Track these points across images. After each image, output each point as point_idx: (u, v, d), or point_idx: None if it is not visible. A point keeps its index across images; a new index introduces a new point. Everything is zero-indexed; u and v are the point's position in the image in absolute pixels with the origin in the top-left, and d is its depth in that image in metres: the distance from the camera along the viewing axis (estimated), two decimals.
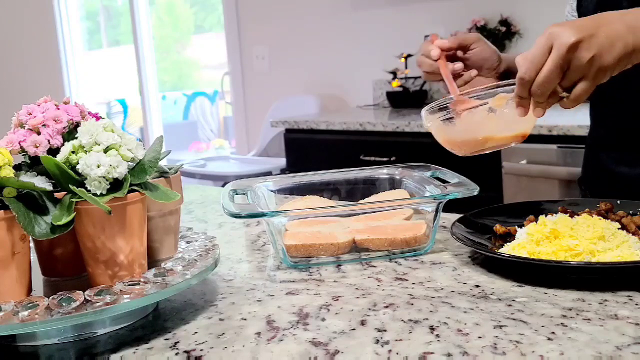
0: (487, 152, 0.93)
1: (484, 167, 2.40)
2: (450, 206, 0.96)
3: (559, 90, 0.83)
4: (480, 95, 0.89)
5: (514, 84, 0.85)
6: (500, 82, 0.88)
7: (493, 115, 0.88)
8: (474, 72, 1.10)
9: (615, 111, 1.17)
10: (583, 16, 1.17)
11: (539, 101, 0.84)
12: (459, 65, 1.08)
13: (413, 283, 0.80)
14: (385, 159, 2.66)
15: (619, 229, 0.85)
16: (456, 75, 1.08)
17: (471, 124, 0.89)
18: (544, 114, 0.85)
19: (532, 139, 2.28)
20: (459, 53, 1.10)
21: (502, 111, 0.87)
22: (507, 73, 1.14)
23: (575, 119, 2.23)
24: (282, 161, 3.28)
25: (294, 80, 3.75)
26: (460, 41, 1.08)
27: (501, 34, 2.90)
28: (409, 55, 3.15)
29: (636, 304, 0.69)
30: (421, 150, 2.57)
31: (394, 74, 3.16)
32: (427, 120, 0.93)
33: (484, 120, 0.88)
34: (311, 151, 2.95)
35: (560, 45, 0.80)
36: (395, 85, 3.15)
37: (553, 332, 0.64)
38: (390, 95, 3.17)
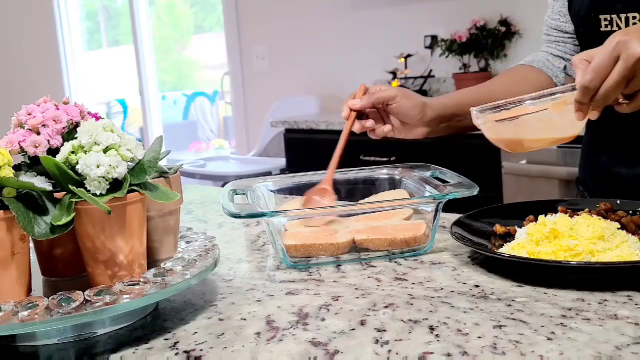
0: (535, 150, 0.94)
1: (483, 167, 2.40)
2: (450, 206, 0.96)
3: (620, 97, 0.84)
4: (534, 98, 0.88)
5: (569, 90, 0.85)
6: (555, 89, 0.88)
7: (549, 118, 0.88)
8: (387, 127, 1.10)
9: (614, 111, 1.17)
10: (575, 17, 1.17)
11: (599, 107, 0.85)
12: (369, 123, 1.09)
13: (413, 283, 0.80)
14: (385, 159, 2.66)
15: (618, 228, 0.85)
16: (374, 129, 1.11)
17: (526, 126, 0.89)
18: (599, 115, 0.86)
19: None
20: (380, 106, 1.11)
21: (558, 114, 0.87)
22: (437, 121, 1.13)
23: None
24: (282, 161, 3.28)
25: (294, 80, 3.75)
26: (374, 100, 1.08)
27: (501, 34, 2.90)
28: (409, 56, 3.15)
29: (636, 304, 0.69)
30: (421, 150, 2.57)
31: (394, 74, 3.16)
32: (477, 118, 0.93)
33: (539, 122, 0.88)
34: (311, 151, 2.95)
35: (629, 56, 0.80)
36: (395, 85, 3.15)
37: (553, 332, 0.64)
38: None
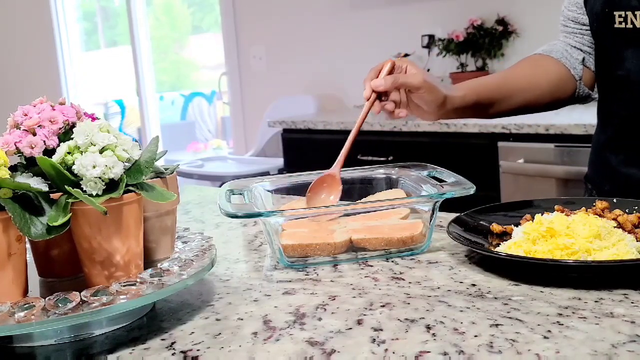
0: None
1: (481, 166, 2.40)
2: (447, 205, 0.96)
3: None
4: None
5: None
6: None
7: None
8: (403, 112, 1.10)
9: (623, 111, 1.16)
10: (590, 12, 1.16)
11: None
12: (389, 105, 1.08)
13: (409, 282, 0.80)
14: (382, 159, 2.66)
15: (615, 227, 0.86)
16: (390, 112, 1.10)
17: None
18: None
19: (529, 138, 2.29)
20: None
21: None
22: (453, 111, 1.14)
23: (572, 117, 2.23)
24: (279, 161, 3.28)
25: (292, 80, 3.75)
26: (398, 85, 1.07)
27: (498, 34, 2.90)
28: (406, 55, 3.15)
29: (632, 302, 0.70)
30: (419, 149, 2.57)
31: None
32: None
33: None
34: (309, 151, 2.95)
35: None
36: None
37: (549, 331, 0.64)
38: None
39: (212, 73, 6.09)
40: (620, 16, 1.09)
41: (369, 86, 1.07)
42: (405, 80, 1.07)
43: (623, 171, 1.17)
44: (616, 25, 1.10)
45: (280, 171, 3.23)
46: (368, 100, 1.07)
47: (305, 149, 2.98)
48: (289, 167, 3.08)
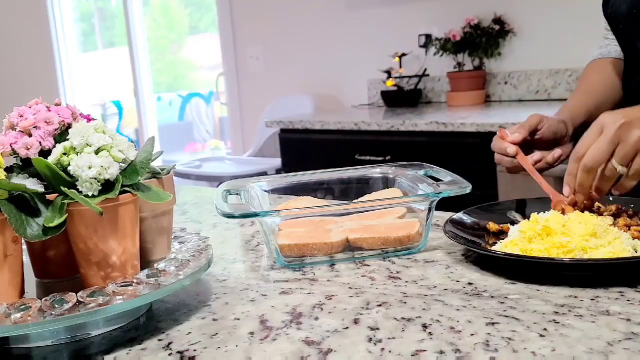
0: None
1: (479, 165, 2.40)
2: (444, 204, 0.96)
3: (615, 166, 0.87)
4: None
5: None
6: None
7: None
8: (557, 152, 1.08)
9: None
10: (614, 13, 1.17)
11: (590, 174, 0.88)
12: (537, 156, 1.08)
13: (406, 281, 0.81)
14: (380, 159, 2.66)
15: (611, 225, 0.86)
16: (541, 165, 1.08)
17: None
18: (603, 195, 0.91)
19: None
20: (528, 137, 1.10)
21: None
22: (577, 134, 1.15)
23: None
24: (277, 161, 3.28)
25: (289, 80, 3.75)
26: (527, 129, 1.08)
27: (495, 33, 2.90)
28: (403, 55, 3.15)
29: (627, 300, 0.70)
30: (416, 149, 2.57)
31: (389, 73, 3.16)
32: None
33: None
34: (306, 151, 2.95)
35: (610, 124, 0.86)
36: (390, 84, 3.15)
37: (545, 329, 0.64)
38: (385, 95, 3.17)
39: (210, 73, 6.09)
40: None
41: (509, 144, 1.07)
42: (529, 121, 1.09)
43: None
44: None
45: (278, 171, 3.23)
46: (516, 156, 1.07)
47: (302, 149, 2.98)
48: (287, 167, 3.08)
